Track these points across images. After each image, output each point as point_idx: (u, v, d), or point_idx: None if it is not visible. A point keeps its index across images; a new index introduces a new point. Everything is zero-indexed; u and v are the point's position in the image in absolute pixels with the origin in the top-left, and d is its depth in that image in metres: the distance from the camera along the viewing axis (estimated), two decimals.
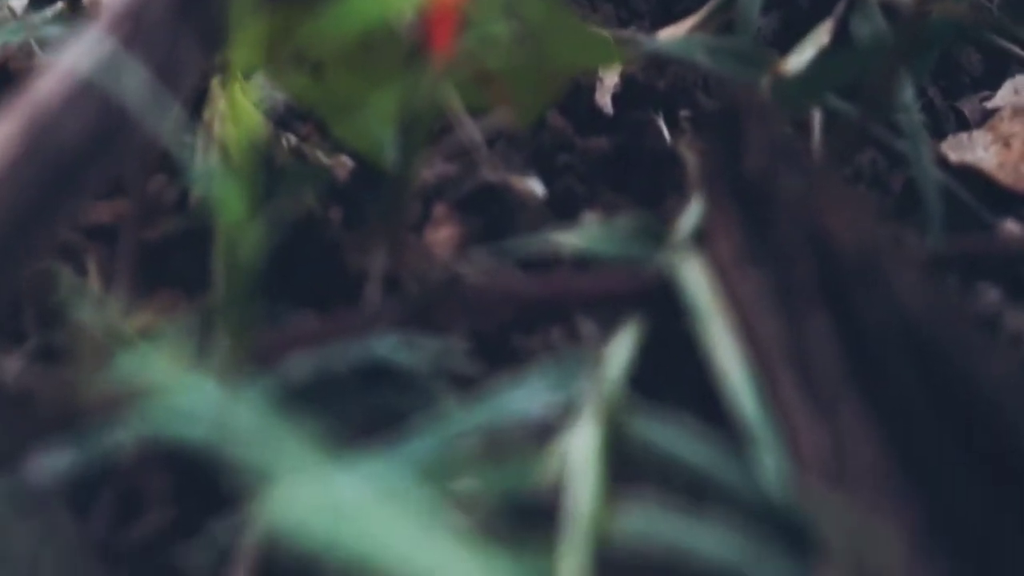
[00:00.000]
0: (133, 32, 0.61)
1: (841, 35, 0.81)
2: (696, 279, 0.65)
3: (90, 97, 0.58)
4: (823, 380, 0.60)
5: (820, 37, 0.80)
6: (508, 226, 0.74)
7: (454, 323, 0.66)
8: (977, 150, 0.84)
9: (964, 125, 0.85)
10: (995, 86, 0.88)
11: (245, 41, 0.61)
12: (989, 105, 0.86)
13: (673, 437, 0.59)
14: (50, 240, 0.60)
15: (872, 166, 0.79)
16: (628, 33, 0.80)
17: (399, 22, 0.64)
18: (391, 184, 0.67)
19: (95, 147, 0.59)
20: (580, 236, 0.68)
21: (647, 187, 0.78)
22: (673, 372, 0.65)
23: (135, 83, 0.57)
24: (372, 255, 0.70)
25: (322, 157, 0.76)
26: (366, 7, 0.64)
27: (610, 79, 0.82)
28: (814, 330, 0.61)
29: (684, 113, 0.81)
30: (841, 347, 0.61)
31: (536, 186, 0.74)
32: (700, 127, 0.76)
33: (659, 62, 0.83)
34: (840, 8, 0.83)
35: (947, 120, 0.85)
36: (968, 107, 0.86)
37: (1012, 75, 0.88)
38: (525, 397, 0.62)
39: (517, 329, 0.67)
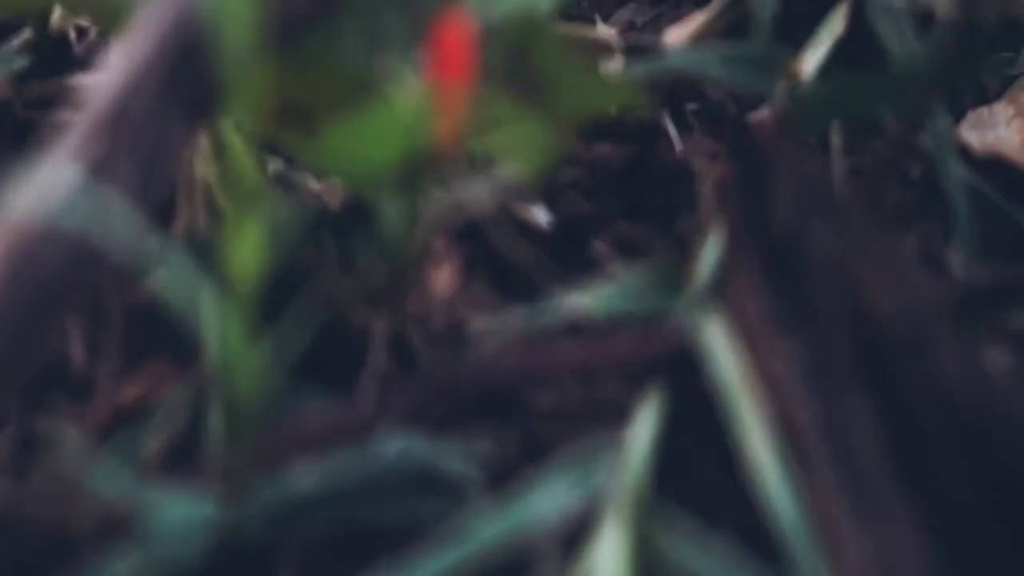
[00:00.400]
0: (118, 135, 0.55)
1: (856, 19, 0.75)
2: (721, 347, 0.61)
3: (68, 230, 0.53)
4: (867, 477, 0.56)
5: (835, 25, 0.74)
6: (512, 262, 0.69)
7: (463, 397, 0.62)
8: (999, 127, 0.79)
9: (981, 94, 0.80)
10: (1016, 47, 0.82)
11: (242, 99, 0.56)
12: (1010, 72, 0.81)
13: (702, 554, 0.55)
14: (33, 361, 0.56)
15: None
16: (634, 36, 0.74)
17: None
18: (393, 250, 0.62)
19: (78, 272, 0.54)
20: (594, 296, 0.63)
21: (658, 201, 0.73)
22: (699, 452, 0.61)
23: (117, 207, 0.52)
24: (374, 314, 0.65)
25: (311, 183, 0.71)
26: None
27: (608, 65, 0.76)
28: (855, 415, 0.57)
29: (691, 107, 0.76)
30: (884, 436, 0.57)
31: (541, 215, 0.69)
32: (720, 165, 0.71)
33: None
34: None
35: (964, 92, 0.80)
36: (987, 74, 0.81)
37: None
38: (546, 499, 0.58)
39: (532, 403, 0.63)
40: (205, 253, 0.67)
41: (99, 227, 0.51)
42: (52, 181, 0.52)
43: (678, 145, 0.75)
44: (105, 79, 0.56)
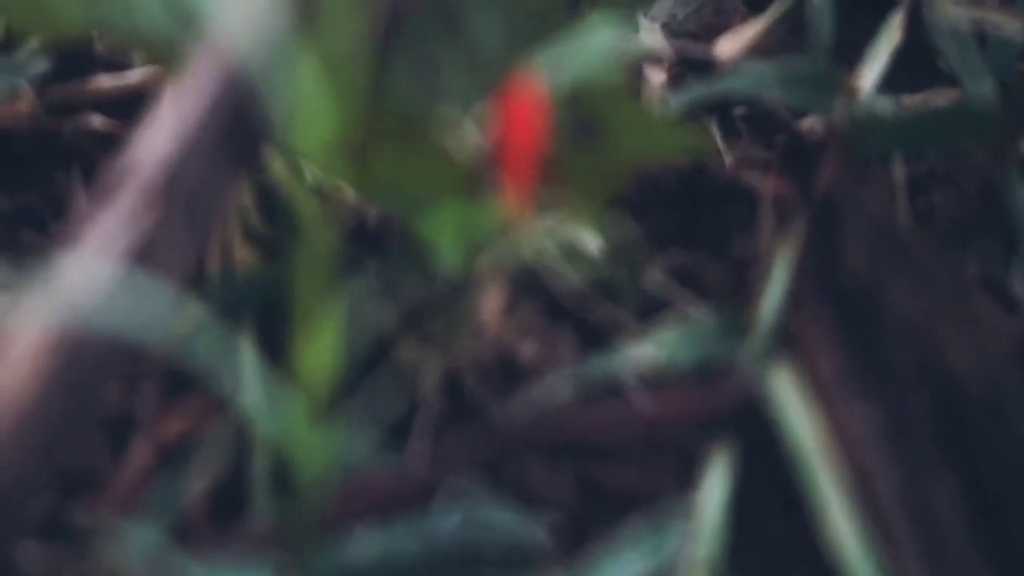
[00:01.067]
0: (172, 202, 0.53)
1: (913, 26, 0.73)
2: (792, 402, 0.59)
3: (108, 330, 0.50)
4: (950, 551, 0.54)
5: (892, 35, 0.72)
6: (561, 290, 0.66)
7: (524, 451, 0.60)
8: None
9: None
10: None
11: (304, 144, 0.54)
12: None
13: None
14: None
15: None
16: (684, 47, 0.71)
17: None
18: (450, 304, 0.59)
19: (117, 366, 0.52)
20: (656, 343, 0.60)
21: (710, 221, 0.70)
22: (770, 511, 0.59)
23: (160, 295, 0.49)
24: (424, 349, 0.63)
25: (349, 197, 0.69)
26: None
27: (656, 77, 0.73)
28: (936, 485, 0.55)
29: (739, 111, 0.73)
30: (967, 507, 0.55)
31: (590, 240, 0.67)
32: (775, 183, 0.68)
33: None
34: None
35: None
36: None
37: None
38: (618, 572, 0.56)
39: (596, 458, 0.61)
40: (241, 295, 0.65)
41: (142, 320, 0.48)
42: (92, 274, 0.49)
43: (727, 157, 0.72)
44: (156, 142, 0.53)
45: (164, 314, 0.51)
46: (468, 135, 0.55)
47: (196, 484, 0.63)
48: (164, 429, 0.64)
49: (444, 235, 0.61)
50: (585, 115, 0.59)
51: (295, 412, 0.49)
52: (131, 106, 0.73)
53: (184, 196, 0.54)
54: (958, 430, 0.57)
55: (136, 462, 0.62)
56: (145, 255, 0.53)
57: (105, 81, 0.73)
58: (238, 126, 0.55)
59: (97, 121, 0.73)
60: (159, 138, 0.54)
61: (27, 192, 0.72)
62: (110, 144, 0.73)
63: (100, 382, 0.52)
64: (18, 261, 0.70)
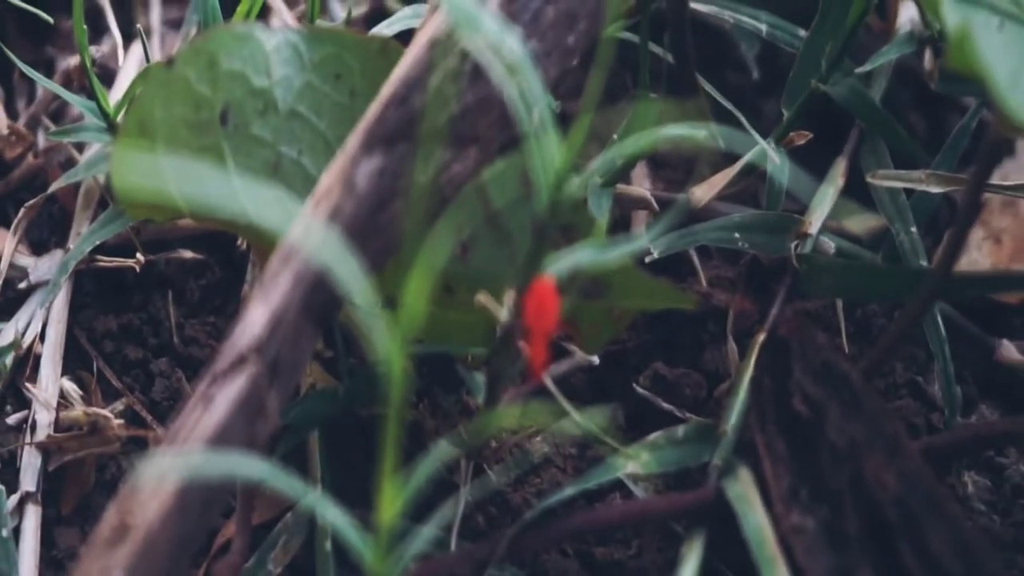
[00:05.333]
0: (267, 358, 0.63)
1: (853, 174, 0.84)
2: (751, 507, 0.70)
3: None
4: None
5: (836, 181, 0.83)
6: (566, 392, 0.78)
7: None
8: (971, 251, 0.88)
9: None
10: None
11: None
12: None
13: None
14: None
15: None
16: (665, 195, 0.83)
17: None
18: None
19: (223, 496, 0.63)
20: (641, 460, 0.72)
21: (686, 336, 0.82)
22: None
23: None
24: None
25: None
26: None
27: (639, 219, 0.84)
28: None
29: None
30: None
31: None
32: (739, 303, 0.80)
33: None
34: (851, 144, 0.85)
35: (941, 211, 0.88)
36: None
37: (1000, 163, 0.90)
38: None
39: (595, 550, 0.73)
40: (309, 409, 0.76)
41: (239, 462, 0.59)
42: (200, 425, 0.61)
43: (703, 279, 0.84)
44: (253, 312, 0.64)
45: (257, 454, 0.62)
46: (501, 308, 0.67)
47: (277, 564, 0.74)
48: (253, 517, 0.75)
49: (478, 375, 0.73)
50: (592, 279, 0.71)
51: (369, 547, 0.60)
52: (214, 241, 0.84)
53: (278, 353, 0.64)
54: (882, 538, 0.69)
55: (234, 545, 0.73)
56: (244, 402, 0.64)
57: (190, 220, 0.83)
58: (316, 296, 0.66)
59: (186, 254, 0.83)
60: (256, 308, 0.64)
61: (129, 313, 0.83)
62: (197, 271, 0.83)
63: (211, 512, 0.63)
64: (124, 373, 0.81)
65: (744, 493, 0.72)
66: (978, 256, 0.88)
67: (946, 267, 0.70)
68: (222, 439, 0.63)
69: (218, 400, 0.63)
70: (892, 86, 0.89)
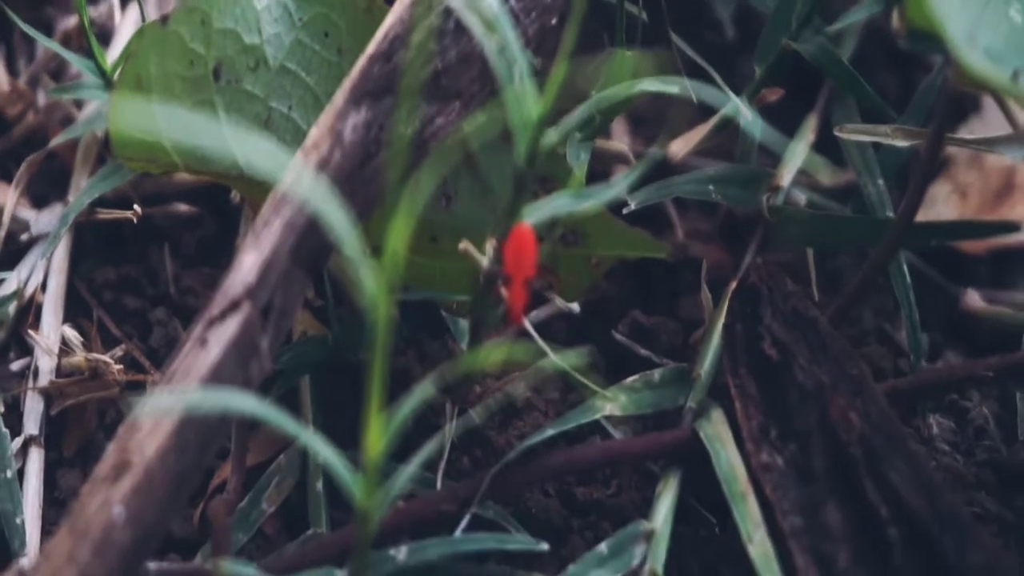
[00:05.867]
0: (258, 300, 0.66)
1: (824, 129, 0.86)
2: (723, 445, 0.73)
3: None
4: (838, 568, 0.69)
5: (806, 135, 0.85)
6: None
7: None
8: (937, 204, 0.90)
9: None
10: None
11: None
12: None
13: None
14: None
15: None
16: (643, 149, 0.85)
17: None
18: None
19: (220, 431, 0.66)
20: (620, 403, 0.75)
21: (664, 286, 0.84)
22: (706, 528, 0.74)
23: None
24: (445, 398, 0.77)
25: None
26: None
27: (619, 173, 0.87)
28: (828, 515, 0.70)
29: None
30: (852, 532, 0.70)
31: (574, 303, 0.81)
32: (713, 252, 0.83)
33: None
34: (821, 101, 0.87)
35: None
36: None
37: (966, 119, 0.93)
38: None
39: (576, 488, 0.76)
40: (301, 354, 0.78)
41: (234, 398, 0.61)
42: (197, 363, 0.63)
43: (679, 231, 0.86)
44: (248, 260, 0.67)
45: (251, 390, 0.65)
46: (483, 256, 0.69)
47: (270, 503, 0.77)
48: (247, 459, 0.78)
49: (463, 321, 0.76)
50: (570, 227, 0.73)
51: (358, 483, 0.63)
52: (208, 195, 0.87)
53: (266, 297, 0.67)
54: (846, 474, 0.71)
55: (229, 485, 0.76)
56: (237, 344, 0.67)
57: (186, 175, 0.85)
58: (306, 243, 0.69)
59: (181, 207, 0.86)
60: (248, 255, 0.67)
61: (127, 265, 0.85)
62: (192, 224, 0.86)
63: (207, 449, 0.66)
64: (123, 321, 0.84)
65: (717, 433, 0.75)
66: (944, 210, 0.91)
67: (908, 216, 0.72)
68: (217, 379, 0.66)
69: (212, 342, 0.66)
70: (862, 44, 0.92)
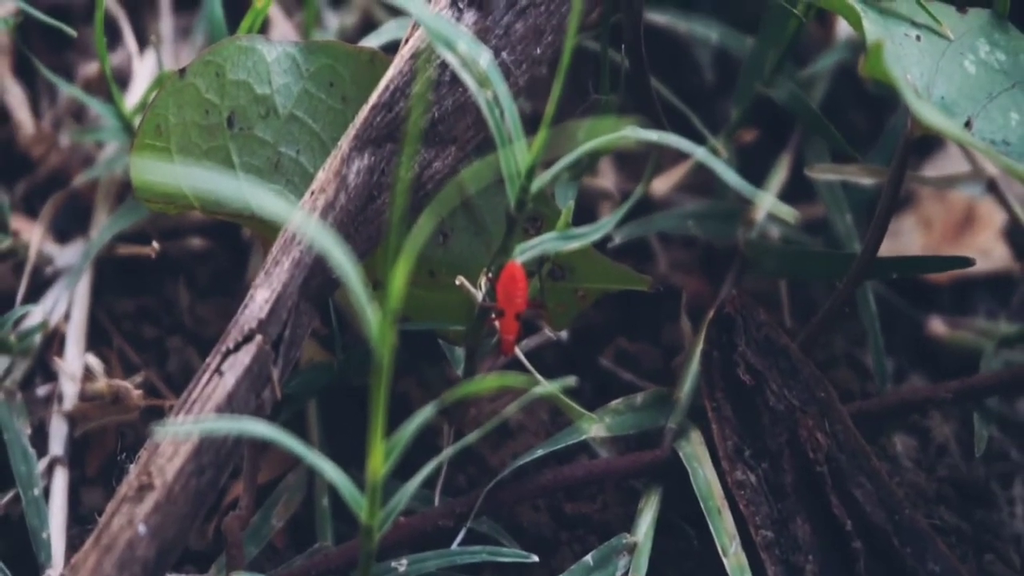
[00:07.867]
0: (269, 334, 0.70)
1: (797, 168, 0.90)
2: (701, 464, 0.77)
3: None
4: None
5: (780, 174, 0.90)
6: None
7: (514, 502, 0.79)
8: (902, 235, 0.94)
9: None
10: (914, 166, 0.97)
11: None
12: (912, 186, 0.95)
13: None
14: None
15: None
16: (627, 186, 0.89)
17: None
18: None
19: (234, 453, 0.70)
20: (605, 424, 0.79)
21: (647, 315, 0.88)
22: (685, 540, 0.78)
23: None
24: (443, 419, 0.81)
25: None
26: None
27: (605, 209, 0.91)
28: (797, 529, 0.74)
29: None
30: (819, 545, 0.74)
31: (561, 332, 0.85)
32: (693, 283, 0.87)
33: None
34: (795, 140, 0.92)
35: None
36: None
37: (931, 155, 0.97)
38: None
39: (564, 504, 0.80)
40: (307, 380, 0.82)
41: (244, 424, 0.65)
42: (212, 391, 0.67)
43: (662, 263, 0.90)
44: (260, 296, 0.71)
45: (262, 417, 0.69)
46: (477, 290, 0.73)
47: (280, 518, 0.81)
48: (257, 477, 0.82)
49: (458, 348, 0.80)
50: (557, 263, 0.78)
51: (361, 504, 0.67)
52: (220, 231, 0.91)
53: (279, 330, 0.71)
54: (814, 490, 0.76)
55: (242, 502, 0.79)
56: (250, 374, 0.71)
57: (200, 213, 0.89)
58: (314, 279, 0.73)
59: (196, 242, 0.90)
60: (260, 291, 0.71)
61: (145, 296, 0.89)
62: (206, 258, 0.90)
63: (222, 470, 0.70)
64: (141, 350, 0.88)
65: (695, 452, 0.79)
66: (910, 239, 0.95)
67: (872, 250, 0.77)
68: (231, 406, 0.70)
69: (227, 373, 0.70)
70: (834, 87, 0.96)
